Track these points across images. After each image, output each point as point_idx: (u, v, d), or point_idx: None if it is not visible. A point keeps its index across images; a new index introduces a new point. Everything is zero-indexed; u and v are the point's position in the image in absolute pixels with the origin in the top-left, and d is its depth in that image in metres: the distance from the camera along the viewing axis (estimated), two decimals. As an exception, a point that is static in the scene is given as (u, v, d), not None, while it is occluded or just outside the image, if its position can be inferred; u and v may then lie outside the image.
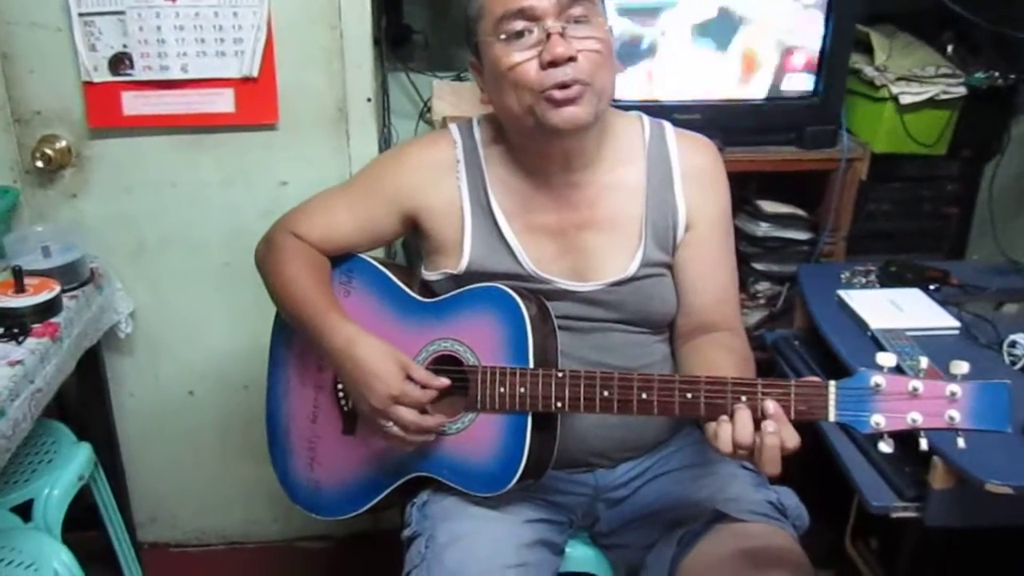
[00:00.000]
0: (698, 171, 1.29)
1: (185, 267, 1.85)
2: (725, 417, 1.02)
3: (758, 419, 1.00)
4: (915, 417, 0.94)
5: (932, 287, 1.64)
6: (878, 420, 0.95)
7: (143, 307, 1.86)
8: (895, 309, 1.55)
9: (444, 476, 1.23)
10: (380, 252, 1.79)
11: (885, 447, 0.95)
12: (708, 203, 1.28)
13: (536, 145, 1.22)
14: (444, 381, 1.20)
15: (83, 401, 1.83)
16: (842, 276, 1.72)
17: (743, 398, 1.02)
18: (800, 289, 1.73)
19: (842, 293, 1.61)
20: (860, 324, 1.52)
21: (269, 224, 1.38)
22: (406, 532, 1.26)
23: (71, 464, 1.61)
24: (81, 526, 1.81)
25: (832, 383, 0.98)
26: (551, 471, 1.23)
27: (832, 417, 0.98)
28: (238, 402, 1.95)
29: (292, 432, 1.37)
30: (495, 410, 1.18)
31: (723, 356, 1.23)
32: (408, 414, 1.17)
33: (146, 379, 1.93)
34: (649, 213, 1.26)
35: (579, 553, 1.38)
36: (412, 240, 1.42)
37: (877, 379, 0.95)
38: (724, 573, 1.14)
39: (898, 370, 0.96)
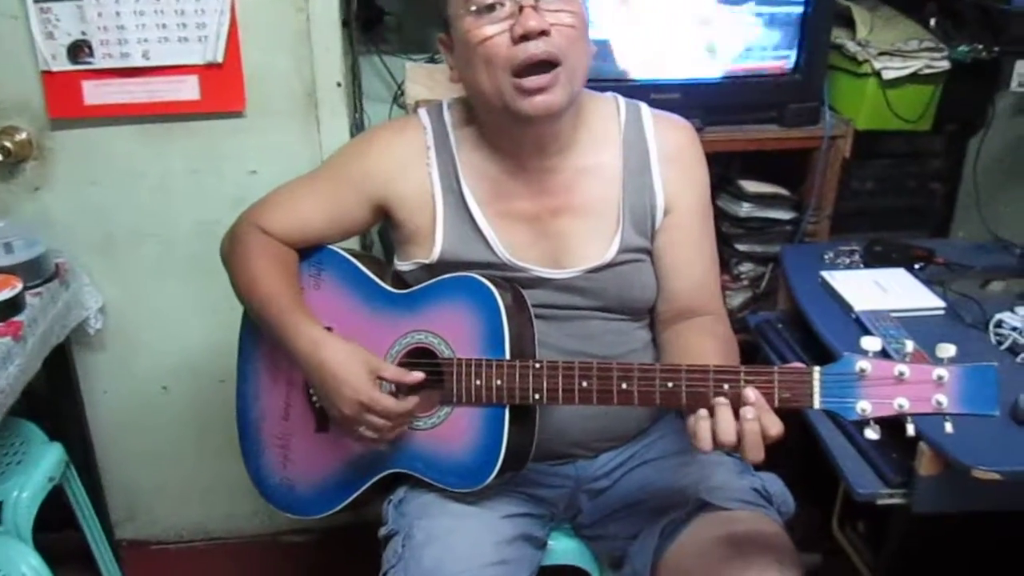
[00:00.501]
0: (676, 153, 1.25)
1: (155, 260, 1.80)
2: (704, 412, 0.99)
3: (739, 407, 0.97)
4: (902, 402, 0.91)
5: (917, 266, 1.61)
6: (864, 406, 0.92)
7: (113, 302, 1.82)
8: (879, 290, 1.52)
9: (421, 472, 1.20)
10: (355, 242, 1.76)
11: (872, 434, 0.93)
12: (687, 185, 1.25)
13: (508, 128, 1.18)
14: (417, 375, 1.17)
15: (54, 399, 1.79)
16: (826, 256, 1.69)
17: (725, 386, 0.98)
18: (783, 271, 1.70)
19: (826, 274, 1.58)
20: (844, 306, 1.49)
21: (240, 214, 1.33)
22: (383, 530, 1.23)
23: (41, 465, 1.58)
24: (57, 526, 1.79)
25: (816, 369, 0.95)
26: (531, 464, 1.20)
27: (817, 404, 0.95)
28: (214, 396, 1.91)
29: (264, 429, 1.33)
30: (471, 403, 1.15)
31: (705, 342, 1.20)
32: (380, 421, 1.13)
33: (119, 375, 1.89)
34: (627, 197, 1.22)
35: (562, 545, 1.35)
36: (386, 229, 1.38)
37: (862, 364, 0.92)
38: (708, 562, 1.12)
39: (884, 354, 0.93)
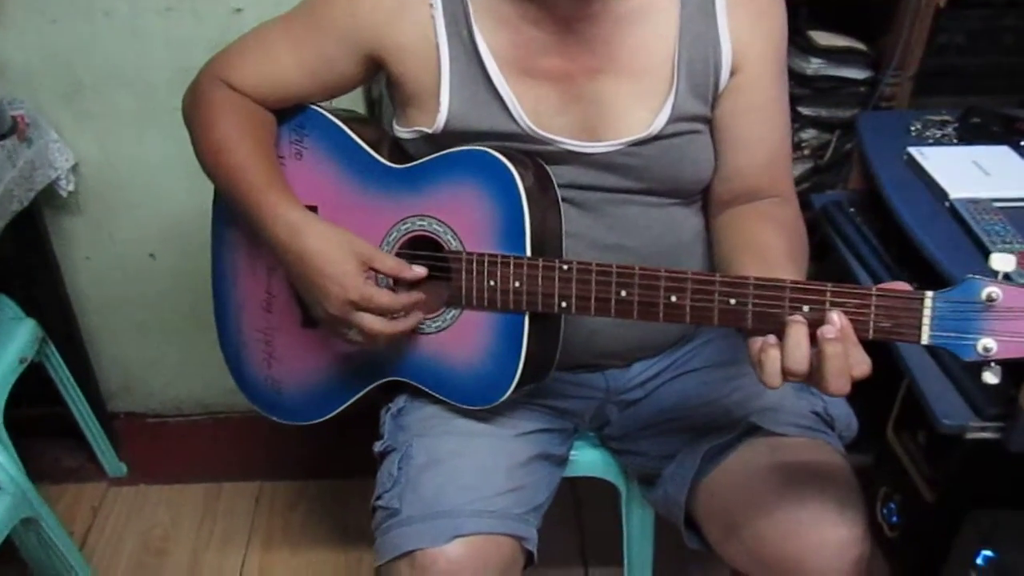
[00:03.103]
0: None
1: (131, 112, 1.58)
2: (773, 339, 0.78)
3: (815, 334, 0.76)
4: None
5: (1023, 143, 1.34)
6: (987, 344, 0.71)
7: (87, 160, 1.61)
8: (979, 172, 1.26)
9: (425, 384, 1.02)
10: (358, 96, 1.52)
11: (991, 377, 0.73)
12: (760, 36, 0.99)
13: None
14: (420, 271, 0.97)
15: (26, 269, 1.62)
16: (912, 128, 1.42)
17: (805, 307, 0.77)
18: (860, 143, 1.44)
19: (914, 151, 1.31)
20: (936, 191, 1.24)
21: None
22: (378, 445, 1.07)
23: (10, 347, 1.43)
24: (48, 400, 1.68)
25: (928, 294, 0.73)
26: (553, 373, 1.02)
27: (926, 339, 0.74)
28: (206, 264, 1.69)
29: (244, 322, 1.16)
30: (484, 307, 0.96)
31: (770, 232, 0.98)
32: (373, 322, 0.94)
33: (100, 242, 1.71)
34: (683, 51, 0.97)
35: (585, 457, 1.20)
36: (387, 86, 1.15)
37: (991, 290, 0.71)
38: (755, 495, 0.95)
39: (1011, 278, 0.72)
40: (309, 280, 0.96)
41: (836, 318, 0.76)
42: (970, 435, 1.02)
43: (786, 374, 0.76)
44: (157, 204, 1.68)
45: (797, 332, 0.76)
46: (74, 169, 1.60)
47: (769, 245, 0.96)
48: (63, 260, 1.70)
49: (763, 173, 1.03)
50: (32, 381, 1.53)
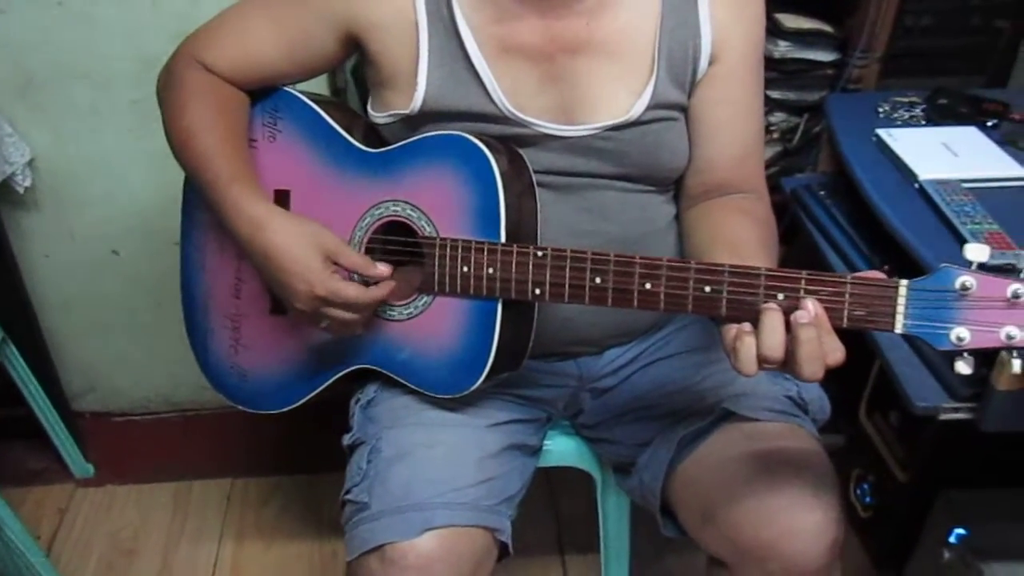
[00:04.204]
0: None
1: (89, 105, 1.53)
2: (748, 327, 0.77)
3: (789, 321, 0.76)
4: (1012, 332, 0.70)
5: (989, 123, 1.35)
6: (961, 334, 0.71)
7: (44, 155, 1.56)
8: (948, 154, 1.27)
9: (394, 371, 1.01)
10: (323, 82, 1.50)
11: (964, 367, 0.72)
12: (741, 27, 0.98)
13: None
14: (383, 269, 0.96)
15: (-18, 268, 1.58)
16: (880, 109, 1.42)
17: (780, 295, 0.77)
18: (829, 125, 1.44)
19: (883, 132, 1.32)
20: (905, 173, 1.24)
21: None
22: (347, 438, 1.06)
23: (-33, 348, 1.39)
24: (11, 400, 1.66)
25: (903, 282, 0.73)
26: (525, 362, 1.00)
27: (899, 328, 0.74)
28: (171, 260, 1.65)
29: (211, 307, 1.13)
30: (456, 294, 0.94)
31: (743, 225, 0.98)
32: (341, 314, 0.93)
33: (60, 239, 1.66)
34: (664, 36, 0.96)
35: (560, 446, 1.19)
36: (361, 67, 1.13)
37: (965, 279, 0.70)
38: (731, 481, 0.95)
39: (993, 268, 0.72)
40: (275, 276, 0.95)
41: (810, 305, 0.75)
42: (944, 416, 1.02)
43: (761, 361, 0.76)
44: (119, 200, 1.64)
45: (772, 318, 0.76)
46: (30, 164, 1.55)
47: (742, 238, 0.95)
48: (21, 258, 1.65)
49: (735, 167, 1.03)
50: (-7, 383, 1.50)
